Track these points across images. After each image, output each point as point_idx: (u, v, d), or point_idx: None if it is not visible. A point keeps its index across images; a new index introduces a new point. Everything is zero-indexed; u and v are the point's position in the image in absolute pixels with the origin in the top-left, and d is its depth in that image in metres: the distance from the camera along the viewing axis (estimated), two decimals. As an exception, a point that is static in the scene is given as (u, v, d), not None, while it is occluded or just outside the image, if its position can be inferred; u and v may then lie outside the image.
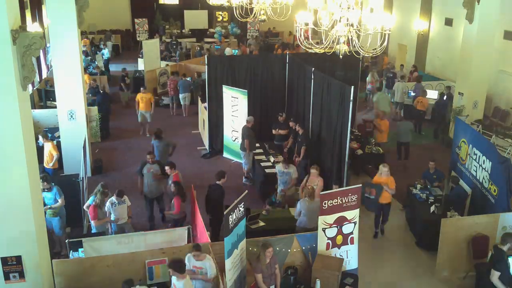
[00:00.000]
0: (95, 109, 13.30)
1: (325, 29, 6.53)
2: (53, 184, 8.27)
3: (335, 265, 6.98)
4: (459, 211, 8.85)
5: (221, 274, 6.28)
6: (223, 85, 12.19)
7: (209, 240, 6.97)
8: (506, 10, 13.96)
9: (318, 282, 6.75)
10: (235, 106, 11.90)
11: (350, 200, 7.07)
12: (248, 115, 11.47)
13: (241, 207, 6.37)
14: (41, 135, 10.04)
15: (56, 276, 6.29)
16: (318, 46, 7.20)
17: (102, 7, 25.45)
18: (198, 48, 22.71)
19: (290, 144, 11.43)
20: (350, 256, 7.39)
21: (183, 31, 28.50)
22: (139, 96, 14.39)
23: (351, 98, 8.99)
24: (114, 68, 22.04)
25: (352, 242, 7.35)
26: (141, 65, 19.90)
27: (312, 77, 11.03)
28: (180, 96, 16.18)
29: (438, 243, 7.88)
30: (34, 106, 13.87)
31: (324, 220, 7.03)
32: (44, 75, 18.45)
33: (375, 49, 6.69)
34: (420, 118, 14.86)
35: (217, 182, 8.70)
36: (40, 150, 9.44)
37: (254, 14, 12.08)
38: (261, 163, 11.03)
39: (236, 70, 12.62)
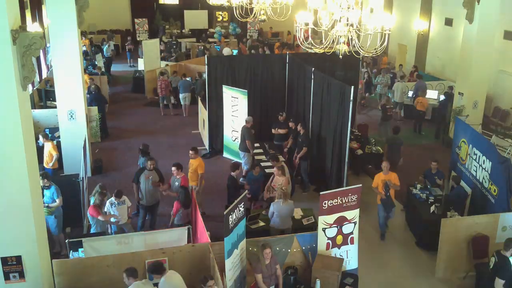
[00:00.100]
0: (95, 109, 13.30)
1: (325, 29, 6.53)
2: (52, 182, 8.25)
3: (335, 265, 6.98)
4: (459, 211, 8.85)
5: (221, 274, 6.27)
6: (223, 85, 12.19)
7: (209, 240, 6.96)
8: (506, 10, 13.97)
9: (318, 282, 6.76)
10: (235, 106, 11.90)
11: (350, 200, 7.07)
12: (248, 115, 11.47)
13: (241, 207, 6.37)
14: (41, 135, 10.03)
15: (56, 276, 6.29)
16: (318, 46, 7.20)
17: (102, 7, 25.46)
18: (202, 48, 22.71)
19: (290, 144, 11.43)
20: (350, 256, 7.39)
21: (183, 31, 28.49)
22: None
23: (351, 98, 9.00)
24: (114, 68, 22.07)
25: (352, 242, 7.35)
26: (141, 65, 19.89)
27: (312, 77, 11.03)
28: (180, 96, 16.17)
29: (438, 243, 7.88)
30: (34, 106, 13.87)
31: (324, 220, 7.03)
32: (44, 75, 18.44)
33: (375, 49, 6.69)
34: (420, 118, 14.86)
35: (232, 173, 9.08)
36: (40, 150, 9.45)
37: (254, 14, 12.08)
38: (261, 163, 11.02)
39: (236, 70, 12.63)
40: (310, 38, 6.74)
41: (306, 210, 9.01)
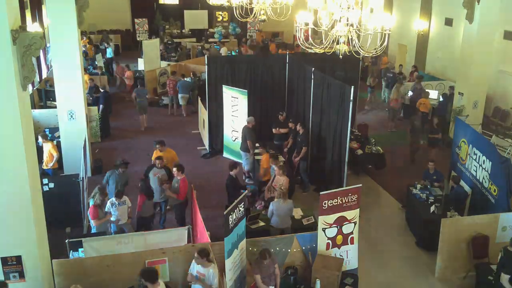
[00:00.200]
0: (95, 109, 13.30)
1: (325, 29, 6.53)
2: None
3: (335, 265, 6.98)
4: (459, 211, 8.85)
5: (221, 274, 6.27)
6: (223, 85, 12.19)
7: (209, 240, 6.96)
8: (506, 10, 13.96)
9: (318, 282, 6.75)
10: (235, 106, 11.90)
11: (350, 200, 7.08)
12: (248, 115, 11.47)
13: (241, 207, 6.37)
14: (40, 136, 10.01)
15: (56, 276, 6.29)
16: (318, 46, 7.20)
17: (102, 7, 25.41)
18: (200, 48, 22.71)
19: (290, 144, 11.43)
20: (350, 256, 7.39)
21: (183, 31, 28.48)
22: None
23: (351, 98, 9.00)
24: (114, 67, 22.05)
25: (352, 242, 7.35)
26: (141, 65, 19.89)
27: (312, 77, 11.02)
28: (179, 96, 16.19)
29: (438, 243, 7.88)
30: (34, 106, 13.88)
31: (324, 220, 7.03)
32: (44, 75, 18.44)
33: (375, 49, 6.69)
34: (423, 120, 14.80)
35: (230, 172, 9.06)
36: (40, 150, 9.45)
37: (254, 14, 12.08)
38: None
39: (236, 70, 12.62)
40: (310, 38, 6.75)
41: (306, 210, 9.01)
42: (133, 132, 14.70)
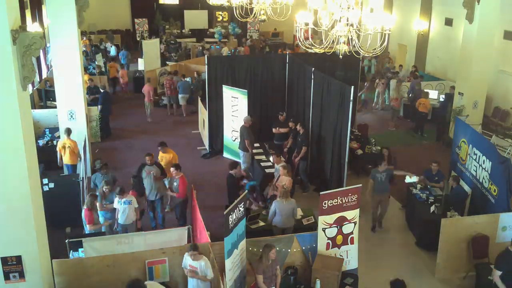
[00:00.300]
0: (95, 109, 13.31)
1: (325, 29, 6.53)
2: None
3: (335, 265, 6.98)
4: (459, 211, 8.85)
5: (221, 274, 6.28)
6: (223, 85, 12.19)
7: (209, 240, 6.96)
8: (506, 10, 13.96)
9: (318, 282, 6.75)
10: (235, 106, 11.91)
11: (350, 200, 7.07)
12: (248, 115, 11.47)
13: (241, 207, 6.37)
14: (65, 131, 10.07)
15: (56, 276, 6.29)
16: (318, 46, 7.20)
17: (102, 7, 25.48)
18: (201, 48, 22.72)
19: (290, 144, 11.43)
20: (350, 256, 7.39)
21: (183, 31, 28.50)
22: None
23: (351, 98, 8.99)
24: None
25: (352, 242, 7.35)
26: (141, 65, 19.90)
27: (312, 77, 11.02)
28: (179, 96, 16.19)
29: (438, 243, 7.87)
30: (34, 106, 13.88)
31: (324, 220, 7.03)
32: (44, 75, 18.45)
33: (375, 49, 6.69)
34: (422, 120, 14.83)
35: (230, 172, 9.08)
36: (40, 150, 9.45)
37: (254, 14, 12.08)
38: (261, 163, 11.03)
39: (236, 70, 12.63)
40: (310, 39, 6.75)
41: (306, 210, 9.01)
42: (133, 132, 14.71)
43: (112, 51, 22.28)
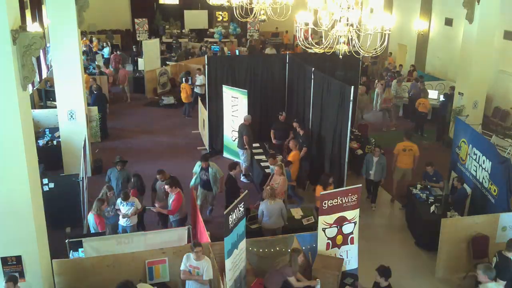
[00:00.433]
0: (95, 109, 13.30)
1: (325, 29, 6.53)
2: None
3: (335, 265, 6.98)
4: (459, 211, 8.85)
5: (221, 274, 6.28)
6: (223, 85, 12.19)
7: (209, 240, 6.97)
8: (506, 10, 13.97)
9: (318, 282, 6.75)
10: (235, 106, 11.90)
11: (350, 200, 7.07)
12: (248, 114, 11.48)
13: (241, 207, 6.37)
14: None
15: (56, 276, 6.29)
16: (318, 46, 7.20)
17: (102, 7, 25.43)
18: (205, 48, 22.74)
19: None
20: (350, 256, 7.39)
21: (183, 31, 28.50)
22: None
23: (351, 98, 8.99)
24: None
25: (352, 242, 7.35)
26: (141, 65, 19.90)
27: (312, 77, 11.02)
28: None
29: (438, 243, 7.87)
30: (34, 106, 13.87)
31: (324, 220, 7.03)
32: (44, 75, 18.45)
33: (375, 49, 6.69)
34: (422, 120, 14.83)
35: (230, 172, 9.04)
36: (40, 150, 9.45)
37: (254, 14, 12.08)
38: (260, 163, 11.03)
39: (236, 70, 12.62)
40: (310, 39, 6.75)
41: (306, 210, 9.01)
42: (133, 132, 14.70)
43: (106, 53, 22.16)
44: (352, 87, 9.06)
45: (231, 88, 12.02)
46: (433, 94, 15.90)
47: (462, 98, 13.33)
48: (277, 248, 7.04)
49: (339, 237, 7.22)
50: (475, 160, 9.28)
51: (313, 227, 8.15)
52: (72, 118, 10.90)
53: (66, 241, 7.07)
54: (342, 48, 6.59)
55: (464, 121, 10.57)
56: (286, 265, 6.65)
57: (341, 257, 7.24)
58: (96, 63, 19.66)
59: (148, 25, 25.30)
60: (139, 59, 20.60)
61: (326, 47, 6.96)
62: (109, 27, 27.97)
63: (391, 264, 8.41)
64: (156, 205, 8.71)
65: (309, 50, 7.33)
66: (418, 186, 9.80)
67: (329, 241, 7.16)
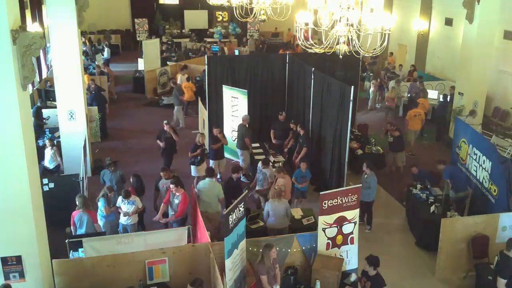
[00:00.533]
0: (95, 109, 13.30)
1: (325, 29, 6.53)
2: None
3: (335, 265, 6.98)
4: (459, 211, 8.85)
5: (221, 274, 6.27)
6: (223, 85, 12.19)
7: (209, 240, 6.96)
8: (506, 10, 13.96)
9: (318, 283, 6.75)
10: (235, 106, 11.90)
11: (350, 200, 7.07)
12: (248, 115, 11.47)
13: (241, 207, 6.37)
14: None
15: (56, 276, 6.29)
16: (318, 46, 7.21)
17: (102, 7, 25.45)
18: (203, 48, 22.76)
19: (290, 144, 11.43)
20: (350, 256, 7.39)
21: (183, 31, 28.50)
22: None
23: (351, 98, 9.00)
24: (114, 68, 22.05)
25: (352, 242, 7.35)
26: (141, 65, 19.91)
27: (312, 77, 11.03)
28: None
29: (438, 243, 7.87)
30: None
31: (324, 220, 7.03)
32: (44, 75, 18.45)
33: (375, 49, 6.69)
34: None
35: (232, 175, 9.04)
36: (40, 150, 9.45)
37: (254, 14, 12.08)
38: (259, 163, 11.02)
39: (236, 70, 12.62)
40: (310, 39, 6.75)
41: (306, 210, 9.01)
42: (132, 132, 14.69)
43: (106, 53, 22.12)
44: (352, 87, 9.07)
45: (231, 88, 12.02)
46: (433, 94, 15.89)
47: (462, 98, 13.32)
48: (277, 248, 7.03)
49: (339, 237, 7.22)
50: (475, 160, 9.29)
51: (313, 227, 8.16)
52: (72, 118, 10.90)
53: (66, 241, 7.07)
54: (342, 48, 6.59)
55: (464, 121, 10.57)
56: (259, 261, 6.57)
57: (341, 257, 7.23)
58: (96, 63, 19.66)
59: (148, 25, 25.35)
60: (139, 59, 20.62)
61: (326, 47, 6.96)
62: (109, 27, 27.98)
63: (391, 264, 8.46)
64: (162, 221, 8.58)
65: (309, 50, 7.33)
66: (418, 186, 9.80)
67: (329, 241, 7.16)
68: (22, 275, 6.09)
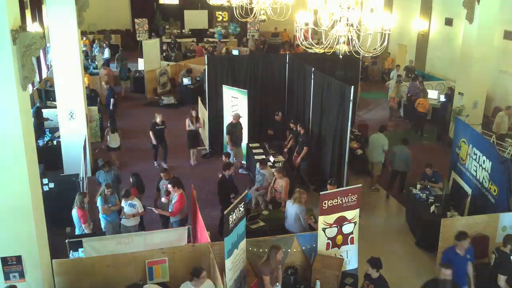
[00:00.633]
0: (95, 109, 13.31)
1: (325, 29, 6.53)
2: None
3: (335, 265, 6.98)
4: (459, 211, 8.84)
5: (221, 274, 6.27)
6: (223, 85, 12.19)
7: (209, 240, 6.96)
8: (506, 10, 13.96)
9: (318, 283, 6.75)
10: (235, 106, 11.91)
11: (350, 200, 7.07)
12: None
13: (241, 207, 6.37)
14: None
15: (56, 276, 6.28)
16: (318, 46, 7.21)
17: (102, 7, 25.45)
18: (211, 49, 22.79)
19: (290, 144, 11.43)
20: (350, 256, 7.39)
21: (183, 31, 28.51)
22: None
23: (351, 98, 9.00)
24: (113, 68, 22.05)
25: (352, 242, 7.35)
26: (141, 65, 19.92)
27: (312, 77, 11.03)
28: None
29: (438, 243, 7.87)
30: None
31: (324, 220, 7.03)
32: (44, 75, 18.45)
33: (375, 49, 6.70)
34: (421, 120, 14.82)
35: (224, 172, 8.99)
36: (40, 150, 9.44)
37: (254, 14, 12.08)
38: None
39: (236, 70, 12.63)
40: (310, 39, 6.75)
41: (306, 210, 8.99)
42: (133, 132, 14.68)
43: (106, 53, 22.10)
44: (352, 87, 9.07)
45: (231, 88, 12.02)
46: (433, 94, 15.89)
47: (462, 98, 13.32)
48: (283, 250, 7.01)
49: (339, 237, 7.22)
50: (475, 160, 9.28)
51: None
52: (72, 118, 10.90)
53: (66, 241, 7.06)
54: (342, 48, 6.59)
55: (464, 121, 10.56)
56: (264, 262, 6.57)
57: (341, 257, 7.23)
58: (96, 63, 19.67)
59: (148, 25, 25.36)
60: (139, 59, 20.63)
61: (326, 47, 6.97)
62: (109, 27, 27.98)
63: (391, 264, 8.46)
64: (156, 211, 8.61)
65: (309, 50, 7.33)
66: (418, 186, 9.80)
67: (329, 241, 7.16)
68: (22, 275, 6.09)
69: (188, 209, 8.76)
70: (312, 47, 7.06)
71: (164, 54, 21.71)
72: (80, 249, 6.97)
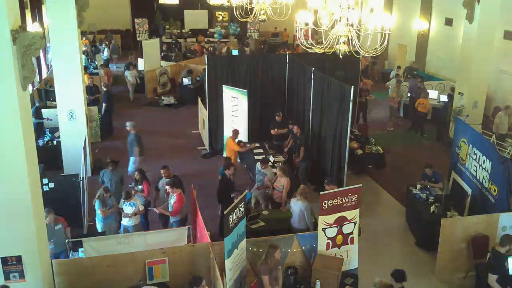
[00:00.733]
0: (95, 109, 13.30)
1: (325, 29, 6.53)
2: None
3: (335, 265, 6.98)
4: (459, 211, 8.85)
5: (221, 274, 6.27)
6: (223, 85, 12.19)
7: (209, 240, 6.96)
8: (506, 10, 13.96)
9: (318, 283, 6.75)
10: (235, 106, 11.90)
11: (350, 200, 7.07)
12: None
13: (241, 207, 6.37)
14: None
15: (56, 276, 6.29)
16: (318, 46, 7.20)
17: (102, 7, 25.44)
18: (212, 49, 22.79)
19: (290, 144, 11.43)
20: (350, 256, 7.39)
21: (183, 31, 28.51)
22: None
23: (351, 98, 9.00)
24: (114, 68, 22.07)
25: (352, 242, 7.35)
26: (141, 65, 19.92)
27: (312, 77, 11.03)
28: None
29: (438, 243, 7.87)
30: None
31: (324, 220, 7.03)
32: (44, 75, 18.45)
33: (375, 49, 6.69)
34: (421, 120, 14.81)
35: (224, 172, 8.99)
36: (40, 150, 9.44)
37: (254, 14, 12.07)
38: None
39: (236, 70, 12.63)
40: (310, 39, 6.74)
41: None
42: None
43: (105, 53, 22.07)
44: (352, 87, 9.07)
45: (231, 88, 12.02)
46: (433, 94, 15.89)
47: (462, 98, 13.32)
48: (283, 249, 7.01)
49: (339, 237, 7.22)
50: (475, 160, 9.28)
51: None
52: (72, 118, 10.90)
53: (66, 241, 7.06)
54: (342, 48, 6.59)
55: (464, 121, 10.56)
56: (262, 262, 6.55)
57: (341, 257, 7.23)
58: (96, 63, 19.66)
59: (148, 25, 25.37)
60: (139, 59, 20.64)
61: (326, 47, 6.96)
62: (109, 27, 27.97)
63: (391, 264, 8.43)
64: (156, 210, 8.61)
65: (309, 50, 7.33)
66: (418, 186, 9.79)
67: (329, 241, 7.16)
68: (22, 275, 6.08)
69: (188, 209, 8.77)
70: (312, 47, 7.06)
71: (163, 54, 21.71)
72: (80, 249, 6.97)
